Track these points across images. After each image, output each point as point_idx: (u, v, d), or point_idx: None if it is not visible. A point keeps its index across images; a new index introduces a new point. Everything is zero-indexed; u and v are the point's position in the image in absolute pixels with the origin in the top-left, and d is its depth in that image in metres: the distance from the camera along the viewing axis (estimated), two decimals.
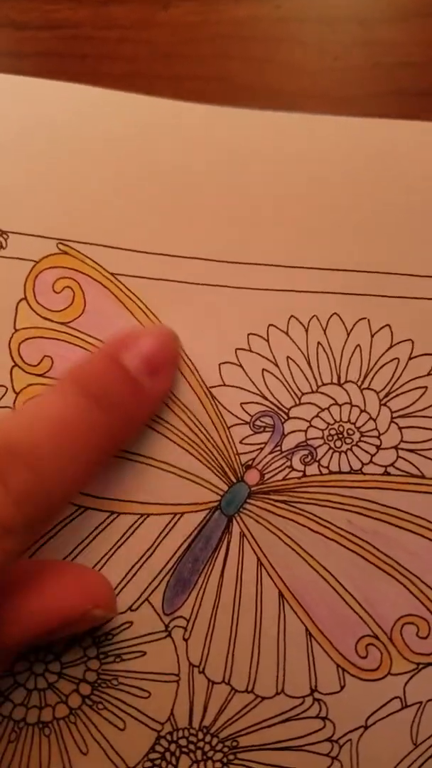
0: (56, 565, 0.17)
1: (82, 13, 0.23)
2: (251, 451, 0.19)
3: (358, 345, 0.18)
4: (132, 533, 0.18)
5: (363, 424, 0.18)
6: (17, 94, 0.19)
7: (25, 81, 0.20)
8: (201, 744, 0.18)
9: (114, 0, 0.23)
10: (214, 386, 0.19)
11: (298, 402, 0.19)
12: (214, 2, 0.22)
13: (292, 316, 0.19)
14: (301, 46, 0.22)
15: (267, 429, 0.19)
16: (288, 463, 0.18)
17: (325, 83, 0.22)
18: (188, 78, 0.22)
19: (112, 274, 0.19)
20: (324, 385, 0.19)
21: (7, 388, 0.19)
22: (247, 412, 0.19)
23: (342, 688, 0.18)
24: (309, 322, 0.19)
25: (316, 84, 0.22)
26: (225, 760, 0.18)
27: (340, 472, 0.18)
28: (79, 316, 0.19)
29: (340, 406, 0.18)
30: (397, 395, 0.18)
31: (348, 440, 0.18)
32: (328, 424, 0.18)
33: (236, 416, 0.19)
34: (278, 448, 0.18)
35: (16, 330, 0.19)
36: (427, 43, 0.22)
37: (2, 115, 0.19)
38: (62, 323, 0.19)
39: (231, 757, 0.18)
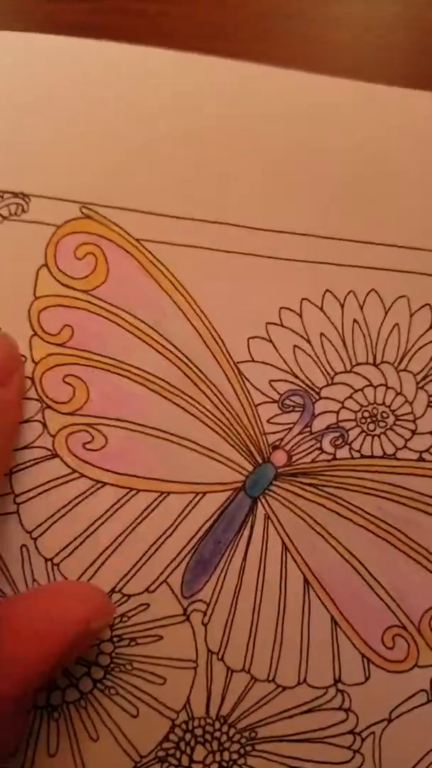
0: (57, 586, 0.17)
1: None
2: (279, 431, 0.18)
3: (396, 324, 0.18)
4: (151, 511, 0.17)
5: (398, 408, 0.17)
6: (40, 53, 0.18)
7: (49, 39, 0.19)
8: (218, 734, 0.17)
9: None
10: (242, 362, 0.18)
11: (330, 381, 0.18)
12: None
13: (327, 290, 0.18)
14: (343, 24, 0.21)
15: (296, 409, 0.18)
16: (317, 445, 0.18)
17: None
18: (227, 55, 0.21)
19: (137, 239, 0.18)
20: (359, 364, 0.18)
21: (26, 358, 0.18)
22: (276, 390, 0.18)
23: (367, 679, 0.17)
24: (345, 297, 0.18)
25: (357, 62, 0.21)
26: (242, 751, 0.17)
27: (372, 457, 0.17)
28: (102, 284, 0.18)
29: (375, 387, 0.18)
30: None
31: (382, 424, 0.17)
32: (362, 406, 0.18)
33: (264, 394, 0.18)
34: (308, 429, 0.18)
35: (36, 298, 0.18)
36: None
37: (25, 74, 0.18)
38: (84, 291, 0.18)
39: (249, 748, 0.17)
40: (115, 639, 0.17)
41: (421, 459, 0.17)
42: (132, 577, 0.17)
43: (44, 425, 0.17)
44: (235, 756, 0.17)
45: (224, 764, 0.17)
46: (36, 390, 0.18)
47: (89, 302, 0.18)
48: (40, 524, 0.17)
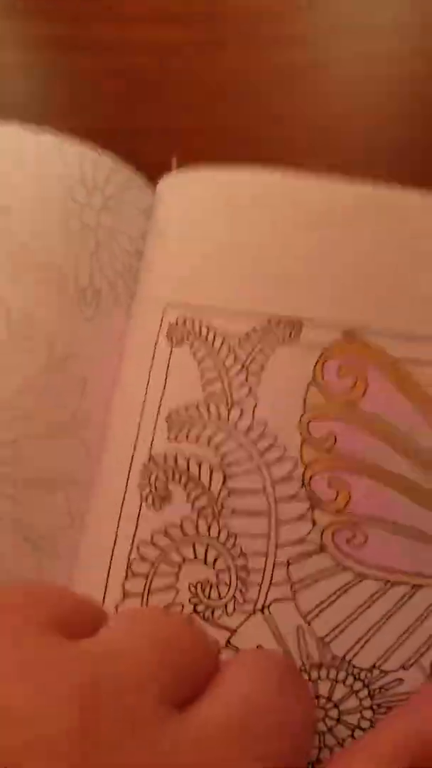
0: None
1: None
2: None
3: None
4: (406, 601, 0.21)
5: None
6: (297, 194, 0.21)
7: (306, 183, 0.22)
8: None
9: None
10: None
11: None
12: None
13: None
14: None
15: None
16: None
17: None
18: None
19: (395, 359, 0.21)
20: None
21: (297, 461, 0.21)
22: None
23: None
24: None
25: None
26: None
27: None
28: (362, 396, 0.21)
29: None
30: None
31: None
32: None
33: None
34: None
35: (306, 411, 0.21)
36: None
37: (288, 218, 0.21)
38: (346, 403, 0.21)
39: None
40: (374, 707, 0.20)
41: None
42: (390, 655, 0.20)
43: (314, 522, 0.21)
44: None
45: None
46: (306, 490, 0.21)
47: (351, 413, 0.21)
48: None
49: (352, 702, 0.20)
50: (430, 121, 0.25)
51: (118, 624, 0.16)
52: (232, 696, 0.15)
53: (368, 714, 0.20)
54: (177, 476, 0.21)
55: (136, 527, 0.21)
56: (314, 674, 0.20)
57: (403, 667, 0.20)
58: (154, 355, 0.22)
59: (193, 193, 0.23)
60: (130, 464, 0.21)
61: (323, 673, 0.20)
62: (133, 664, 0.14)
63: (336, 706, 0.20)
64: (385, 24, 0.26)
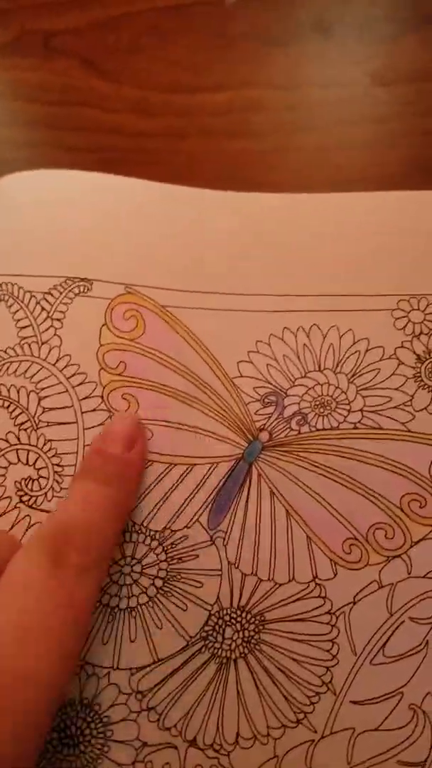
0: None
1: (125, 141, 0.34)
2: (262, 419, 0.28)
3: (331, 344, 0.28)
4: (185, 477, 0.27)
5: (338, 396, 0.28)
6: (103, 191, 0.30)
7: (112, 179, 0.30)
8: (239, 618, 0.26)
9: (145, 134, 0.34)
10: (235, 377, 0.28)
11: (293, 384, 0.28)
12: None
13: (285, 327, 0.29)
14: (277, 170, 0.33)
15: (272, 403, 0.28)
16: (288, 426, 0.28)
17: None
18: None
19: (162, 306, 0.29)
20: (310, 372, 0.28)
21: (97, 383, 0.28)
22: (258, 393, 0.28)
23: (335, 575, 0.26)
24: (297, 330, 0.29)
25: None
26: (257, 629, 0.26)
27: (323, 429, 0.28)
28: (141, 335, 0.29)
29: (322, 385, 0.28)
30: (360, 375, 0.28)
31: (328, 407, 0.28)
32: (314, 397, 0.28)
33: (251, 396, 0.28)
34: (281, 415, 0.28)
35: (101, 345, 0.29)
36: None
37: (90, 208, 0.30)
38: (130, 340, 0.29)
39: (261, 627, 0.26)
40: (169, 559, 0.27)
41: (355, 427, 0.28)
42: (176, 518, 0.27)
43: None
44: (252, 633, 0.26)
45: (245, 638, 0.26)
46: (105, 404, 0.28)
47: (135, 346, 0.29)
48: None
49: (151, 557, 0.27)
50: None
51: None
52: None
53: (164, 566, 0.27)
54: (1, 402, 0.28)
55: None
56: (120, 538, 0.26)
57: (187, 527, 0.27)
58: None
59: (24, 190, 0.31)
60: None
61: (127, 536, 0.26)
62: None
63: (139, 561, 0.26)
64: None
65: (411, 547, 0.25)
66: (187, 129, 0.33)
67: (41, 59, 0.36)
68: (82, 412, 0.27)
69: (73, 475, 0.26)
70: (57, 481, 0.26)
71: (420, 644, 0.25)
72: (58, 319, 0.28)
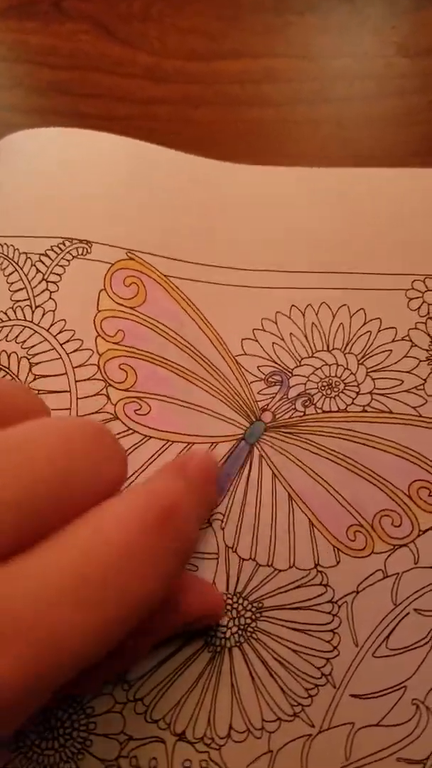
0: (188, 580, 0.24)
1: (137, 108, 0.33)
2: (266, 399, 0.27)
3: (341, 323, 0.27)
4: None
5: (346, 378, 0.27)
6: (113, 152, 0.28)
7: (121, 140, 0.29)
8: (236, 605, 0.25)
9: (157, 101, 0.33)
10: (238, 355, 0.27)
11: (299, 364, 0.27)
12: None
13: (293, 305, 0.27)
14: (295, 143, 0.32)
15: (277, 383, 0.27)
16: (293, 407, 0.27)
17: None
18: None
19: (165, 275, 0.27)
20: (317, 351, 0.27)
21: (93, 351, 0.26)
22: (262, 372, 0.27)
23: (338, 563, 0.25)
24: (305, 308, 0.27)
25: None
26: (253, 617, 0.25)
27: (330, 411, 0.27)
28: (142, 303, 0.27)
29: (330, 365, 0.27)
30: (370, 356, 0.27)
31: (336, 389, 0.27)
32: (321, 378, 0.27)
33: (254, 375, 0.27)
34: (285, 396, 0.27)
35: (99, 311, 0.27)
36: None
37: (95, 169, 0.28)
38: (130, 308, 0.27)
39: (258, 615, 0.25)
40: None
41: (364, 411, 0.27)
42: None
43: (108, 398, 0.26)
44: (249, 620, 0.25)
45: (241, 626, 0.25)
46: (101, 373, 0.26)
47: (134, 315, 0.27)
48: None
49: None
50: None
51: None
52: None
53: None
54: None
55: None
56: None
57: None
58: None
59: (26, 150, 0.29)
60: None
61: None
62: None
63: None
64: None
65: (419, 536, 0.24)
66: (201, 97, 0.32)
67: (52, 22, 0.34)
68: (76, 381, 0.25)
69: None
70: None
71: (425, 637, 0.23)
72: (54, 282, 0.26)
